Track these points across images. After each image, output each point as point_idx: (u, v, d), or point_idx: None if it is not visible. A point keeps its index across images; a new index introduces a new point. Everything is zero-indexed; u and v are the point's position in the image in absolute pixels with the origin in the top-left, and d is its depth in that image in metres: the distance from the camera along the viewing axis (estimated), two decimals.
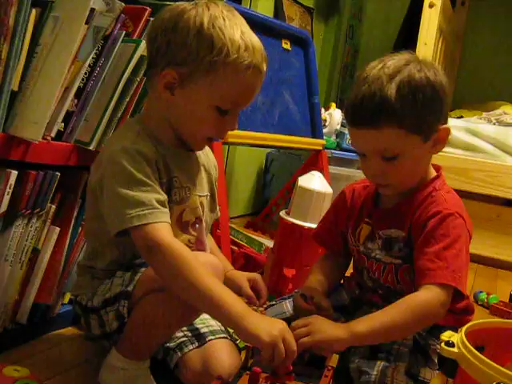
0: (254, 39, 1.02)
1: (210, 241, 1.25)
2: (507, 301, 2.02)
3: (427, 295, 1.03)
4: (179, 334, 1.10)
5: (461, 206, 1.13)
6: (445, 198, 1.12)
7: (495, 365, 0.81)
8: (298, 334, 0.98)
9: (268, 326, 0.89)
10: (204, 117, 1.03)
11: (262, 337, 0.88)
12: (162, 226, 0.95)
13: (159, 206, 0.96)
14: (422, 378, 1.08)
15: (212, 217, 1.22)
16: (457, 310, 1.16)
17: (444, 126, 1.11)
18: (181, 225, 1.09)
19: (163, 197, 0.99)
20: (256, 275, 1.23)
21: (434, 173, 1.19)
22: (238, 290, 1.19)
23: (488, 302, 1.98)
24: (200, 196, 1.13)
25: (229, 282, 1.21)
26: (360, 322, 1.04)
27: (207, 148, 1.22)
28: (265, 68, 1.04)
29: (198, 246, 1.13)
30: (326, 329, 1.01)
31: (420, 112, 1.05)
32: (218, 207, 1.25)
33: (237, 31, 0.99)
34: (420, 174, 1.15)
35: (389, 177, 1.11)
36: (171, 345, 1.09)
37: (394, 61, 1.08)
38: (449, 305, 1.05)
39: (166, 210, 0.98)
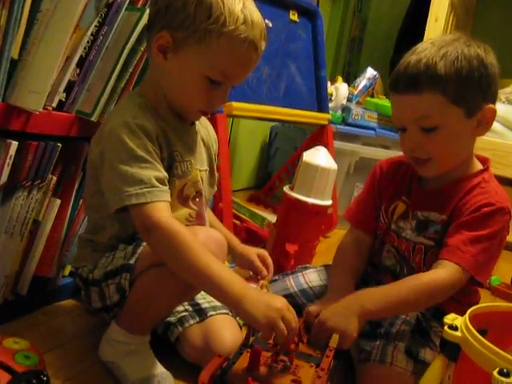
0: (255, 15, 1.00)
1: (210, 215, 1.25)
2: (509, 282, 2.01)
3: (444, 274, 1.05)
4: (180, 309, 1.09)
5: (508, 198, 1.12)
6: (496, 191, 1.12)
7: (498, 350, 0.80)
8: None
9: (265, 306, 0.87)
10: (193, 85, 1.01)
11: (258, 318, 0.86)
12: (160, 206, 0.94)
13: (158, 185, 0.95)
14: (423, 358, 1.08)
15: (211, 192, 1.21)
16: (465, 302, 1.16)
17: (490, 105, 1.09)
18: (182, 199, 1.08)
19: (163, 174, 0.98)
20: (264, 251, 1.25)
21: (479, 164, 1.17)
22: (248, 264, 1.22)
23: (490, 283, 1.97)
24: (200, 170, 1.12)
25: (240, 257, 1.24)
26: (373, 299, 1.06)
27: (207, 122, 1.22)
28: (263, 46, 1.02)
29: (198, 220, 1.12)
30: (349, 324, 1.02)
31: (465, 83, 1.05)
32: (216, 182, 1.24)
33: (238, 4, 0.97)
34: (461, 155, 1.14)
35: (427, 150, 1.10)
36: (172, 319, 1.08)
37: (443, 37, 1.11)
38: (458, 287, 1.07)
39: (166, 187, 0.97)
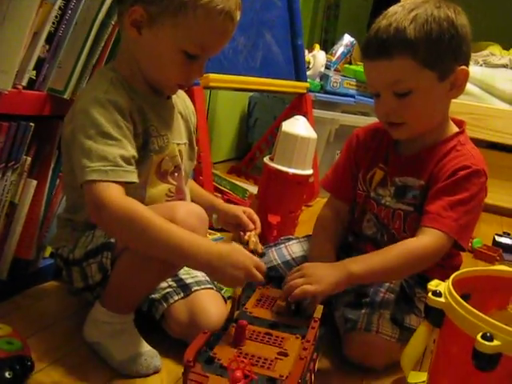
0: None
1: (191, 183, 1.25)
2: (491, 244, 2.03)
3: (427, 241, 1.05)
4: (164, 285, 1.09)
5: (484, 162, 1.13)
6: (472, 154, 1.12)
7: (482, 315, 0.81)
8: (296, 284, 0.99)
9: (231, 267, 0.90)
10: (170, 60, 0.99)
11: (225, 281, 0.94)
12: (115, 187, 0.92)
13: (123, 164, 0.93)
14: (408, 325, 1.09)
15: (191, 165, 1.20)
16: (447, 265, 1.17)
17: (463, 67, 1.09)
18: (160, 174, 1.07)
19: (129, 153, 0.95)
20: (249, 209, 1.25)
21: (455, 127, 1.18)
22: (235, 219, 1.22)
23: (472, 246, 2.00)
24: (178, 144, 1.11)
25: (225, 214, 1.24)
26: (357, 262, 1.05)
27: (184, 95, 1.20)
28: (238, 16, 1.00)
29: (178, 195, 1.11)
30: (327, 276, 1.00)
31: (435, 45, 1.04)
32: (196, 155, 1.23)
33: None
34: (436, 119, 1.14)
35: (401, 115, 1.10)
36: (156, 296, 1.08)
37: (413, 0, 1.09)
38: (443, 254, 1.08)
39: (131, 167, 0.95)
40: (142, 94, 1.04)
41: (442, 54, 1.06)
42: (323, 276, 1.00)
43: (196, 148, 1.21)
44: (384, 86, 1.09)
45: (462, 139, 1.14)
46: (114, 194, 0.91)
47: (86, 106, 0.95)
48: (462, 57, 1.09)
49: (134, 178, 0.95)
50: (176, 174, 1.10)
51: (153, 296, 1.08)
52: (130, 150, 0.96)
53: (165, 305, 1.06)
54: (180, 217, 0.93)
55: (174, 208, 0.95)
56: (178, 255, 0.91)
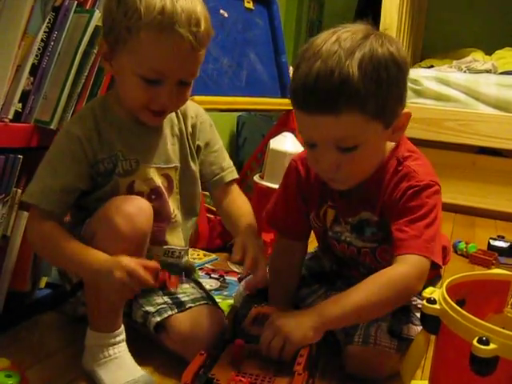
0: (180, 2, 0.95)
1: (239, 203, 1.28)
2: (486, 249, 2.03)
3: (402, 268, 0.98)
4: (159, 301, 1.10)
5: (430, 171, 1.06)
6: (414, 169, 1.03)
7: (477, 319, 0.81)
8: (274, 348, 0.93)
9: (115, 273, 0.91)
10: (130, 86, 1.01)
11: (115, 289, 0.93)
12: (36, 211, 1.01)
13: (48, 193, 1.00)
14: (406, 336, 1.08)
15: (191, 187, 1.18)
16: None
17: (405, 110, 1.00)
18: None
19: (62, 183, 1.00)
20: (260, 255, 1.08)
21: (390, 144, 1.06)
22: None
23: (467, 251, 2.00)
24: (159, 168, 1.10)
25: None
26: (329, 304, 0.99)
27: (191, 115, 1.21)
28: (189, 33, 0.95)
29: (158, 217, 1.09)
30: (298, 328, 0.94)
31: (385, 93, 0.92)
32: (224, 171, 1.25)
33: None
34: (377, 162, 1.04)
35: (344, 170, 0.98)
36: (151, 309, 1.09)
37: (350, 33, 0.94)
38: (426, 276, 0.99)
39: (53, 197, 1.00)
40: (120, 122, 1.07)
41: (390, 102, 0.95)
42: (296, 330, 0.94)
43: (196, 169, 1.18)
44: (326, 142, 0.95)
45: (399, 155, 1.05)
46: (33, 217, 1.02)
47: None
48: (404, 100, 0.99)
49: (48, 207, 1.00)
50: (153, 197, 1.09)
51: (147, 309, 1.09)
52: (67, 181, 1.01)
53: (158, 318, 1.07)
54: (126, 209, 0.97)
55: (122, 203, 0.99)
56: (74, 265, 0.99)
